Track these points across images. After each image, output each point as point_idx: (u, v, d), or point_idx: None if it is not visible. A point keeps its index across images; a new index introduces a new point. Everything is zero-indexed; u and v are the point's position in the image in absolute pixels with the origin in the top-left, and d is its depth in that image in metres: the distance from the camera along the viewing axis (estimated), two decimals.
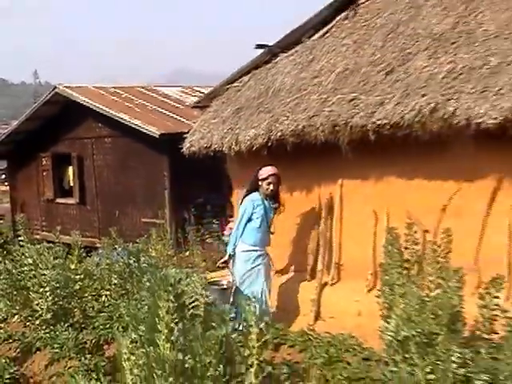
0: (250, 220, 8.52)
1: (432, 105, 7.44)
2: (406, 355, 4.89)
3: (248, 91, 10.03)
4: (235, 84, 10.41)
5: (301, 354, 7.50)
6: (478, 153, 7.37)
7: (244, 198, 8.71)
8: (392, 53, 8.67)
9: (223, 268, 9.02)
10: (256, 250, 8.56)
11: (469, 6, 8.58)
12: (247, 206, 8.55)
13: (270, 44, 10.36)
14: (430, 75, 7.90)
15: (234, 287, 8.52)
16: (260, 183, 8.54)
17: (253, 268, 8.49)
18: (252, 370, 4.45)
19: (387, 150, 8.00)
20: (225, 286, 8.62)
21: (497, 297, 5.13)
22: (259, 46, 10.47)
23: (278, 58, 10.20)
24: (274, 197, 8.66)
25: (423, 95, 7.63)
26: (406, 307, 5.08)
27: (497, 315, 5.19)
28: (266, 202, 8.59)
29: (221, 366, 4.11)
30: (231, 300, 8.38)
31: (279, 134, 8.68)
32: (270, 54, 10.33)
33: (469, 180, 7.74)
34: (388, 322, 5.16)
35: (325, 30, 10.02)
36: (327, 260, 9.07)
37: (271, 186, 8.48)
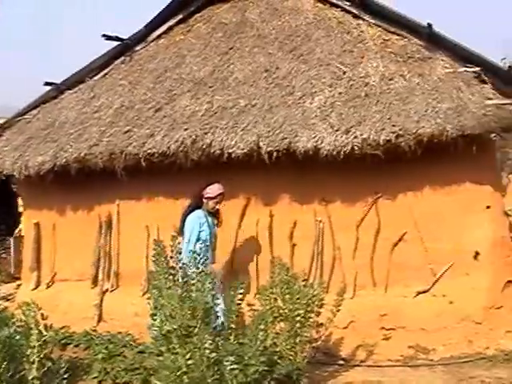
0: (198, 239, 7.27)
1: (193, 137, 7.76)
2: (170, 346, 5.05)
3: (37, 123, 9.78)
4: (26, 116, 10.12)
5: (85, 352, 7.48)
6: (231, 177, 7.73)
7: (186, 215, 7.48)
8: (161, 93, 8.92)
9: None
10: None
11: (223, 57, 9.08)
12: (194, 224, 7.34)
13: (58, 82, 10.24)
14: (192, 113, 8.23)
15: None
16: (205, 201, 7.43)
17: None
18: (34, 365, 4.44)
19: (157, 175, 8.17)
20: None
21: (241, 293, 5.42)
22: (48, 84, 10.30)
23: (64, 95, 10.07)
24: (214, 213, 7.61)
25: (186, 129, 7.93)
26: (169, 306, 5.24)
27: (242, 308, 5.48)
28: (209, 219, 7.48)
29: (5, 363, 4.07)
30: None
31: (64, 160, 8.52)
32: (57, 90, 10.18)
33: (224, 199, 8.08)
34: (154, 319, 5.29)
35: (105, 71, 10.07)
36: (107, 269, 9.03)
37: (217, 205, 7.52)
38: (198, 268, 6.53)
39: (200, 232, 7.29)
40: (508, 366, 6.96)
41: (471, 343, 7.37)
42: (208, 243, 7.33)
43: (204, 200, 7.43)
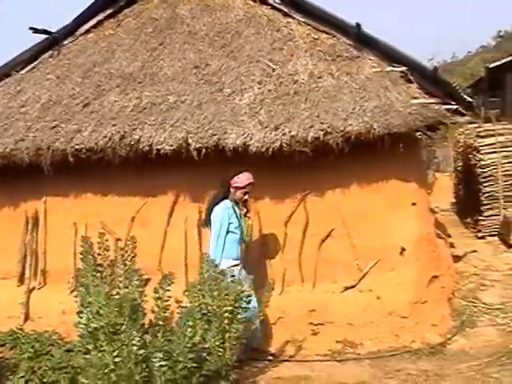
0: (227, 232, 6.98)
1: (121, 133, 7.70)
2: (97, 344, 5.01)
3: None
4: None
5: (12, 351, 7.37)
6: (160, 173, 7.72)
7: (213, 206, 7.16)
8: (89, 88, 8.81)
9: None
10: (238, 264, 7.08)
11: (153, 53, 9.05)
12: (223, 216, 6.98)
13: None
14: (120, 108, 8.17)
15: None
16: (232, 190, 7.12)
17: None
18: None
19: (85, 171, 8.05)
20: None
21: (169, 290, 5.39)
22: None
23: None
24: (242, 204, 7.26)
25: (114, 125, 7.87)
26: (96, 303, 5.20)
27: (170, 305, 5.46)
28: (236, 210, 7.14)
29: None
30: None
31: None
32: None
33: (152, 195, 8.08)
34: (81, 317, 5.24)
35: (32, 65, 9.86)
36: (34, 267, 8.85)
37: (246, 196, 7.18)
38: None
39: (229, 224, 7.02)
40: (433, 358, 7.15)
41: (397, 337, 7.54)
42: (238, 236, 7.11)
43: (231, 189, 7.16)
